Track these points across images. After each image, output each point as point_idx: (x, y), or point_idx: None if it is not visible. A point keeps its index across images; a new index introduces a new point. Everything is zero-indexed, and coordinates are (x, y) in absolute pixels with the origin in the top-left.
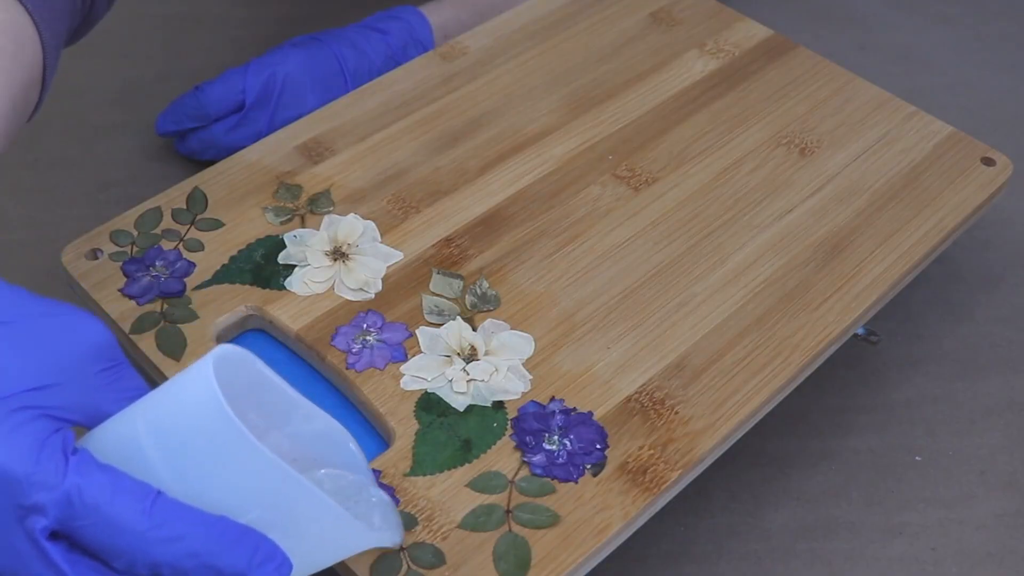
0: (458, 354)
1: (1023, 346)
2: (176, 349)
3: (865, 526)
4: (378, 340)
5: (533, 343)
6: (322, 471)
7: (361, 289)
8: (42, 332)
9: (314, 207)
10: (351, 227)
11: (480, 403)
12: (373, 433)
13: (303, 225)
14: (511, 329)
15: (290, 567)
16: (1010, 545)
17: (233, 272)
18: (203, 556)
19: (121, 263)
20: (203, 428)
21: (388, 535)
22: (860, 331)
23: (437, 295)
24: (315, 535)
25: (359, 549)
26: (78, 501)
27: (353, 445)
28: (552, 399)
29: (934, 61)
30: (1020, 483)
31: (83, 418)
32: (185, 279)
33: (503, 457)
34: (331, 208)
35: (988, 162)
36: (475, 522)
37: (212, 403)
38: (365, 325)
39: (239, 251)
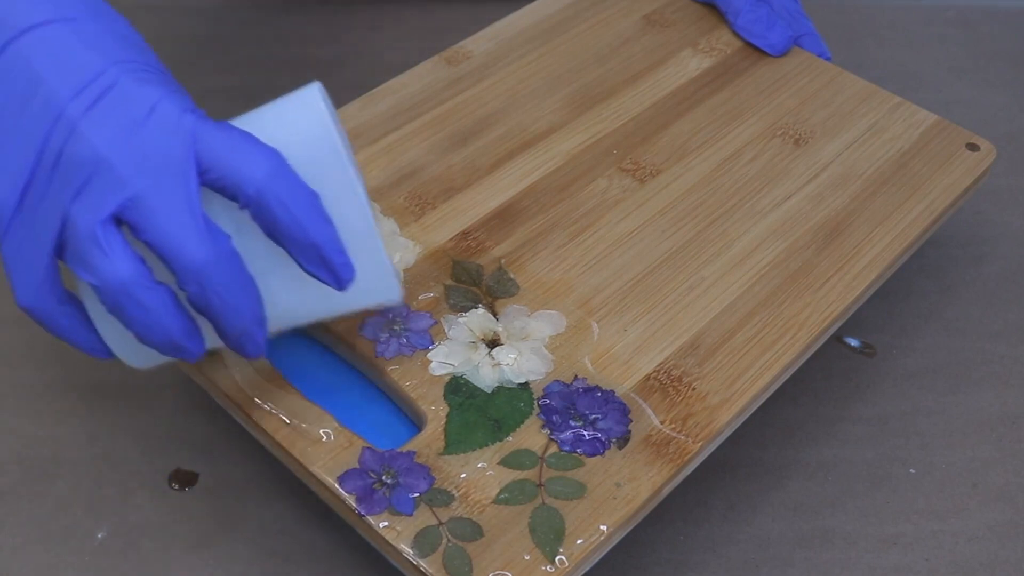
0: (482, 340)
1: (1016, 361)
2: None
3: (860, 536)
4: (404, 328)
5: (555, 322)
6: None
7: None
8: None
9: None
10: None
11: (507, 385)
12: (404, 418)
13: None
14: (532, 313)
15: (352, 272)
16: (1002, 555)
17: None
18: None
19: None
20: (308, 149)
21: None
22: (855, 343)
23: (458, 285)
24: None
25: (378, 300)
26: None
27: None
28: (575, 378)
29: (928, 79)
30: (1012, 495)
31: None
32: None
33: (532, 435)
34: None
35: (972, 147)
36: (509, 496)
37: (321, 128)
38: (391, 315)
39: None
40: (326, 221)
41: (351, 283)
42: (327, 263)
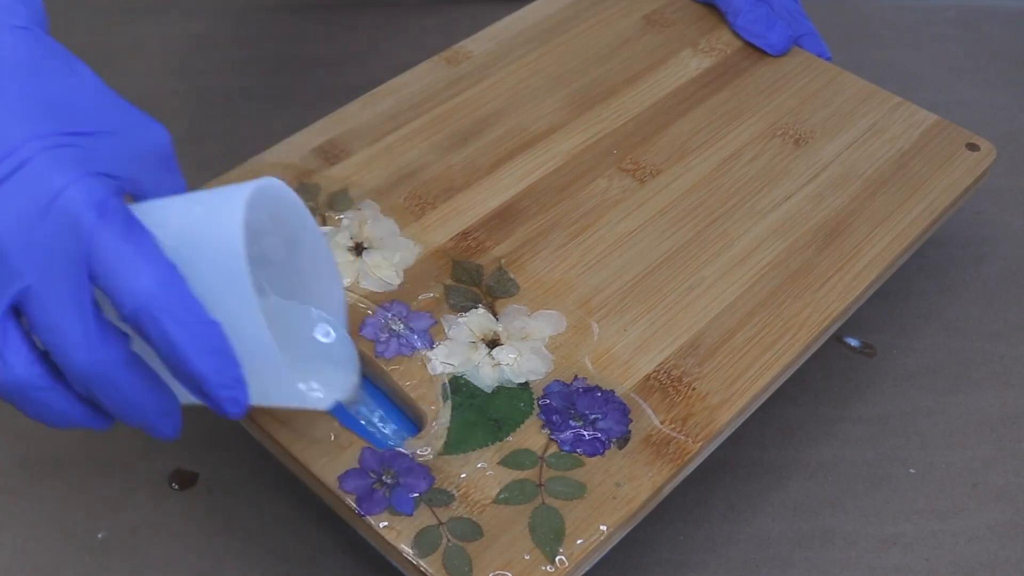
0: (482, 340)
1: (1015, 361)
2: None
3: (860, 536)
4: (406, 328)
5: (555, 322)
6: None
7: (385, 281)
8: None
9: (333, 206)
10: (372, 222)
11: (507, 385)
12: (405, 418)
13: (323, 223)
14: (532, 313)
15: (241, 408)
16: (1002, 555)
17: None
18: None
19: None
20: (216, 252)
21: (326, 394)
22: (855, 343)
23: (458, 285)
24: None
25: (293, 404)
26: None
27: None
28: (575, 378)
29: (928, 79)
30: (1012, 495)
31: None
32: None
33: (532, 435)
34: (350, 206)
35: (972, 147)
36: (509, 496)
37: (230, 240)
38: (391, 315)
39: None
40: (210, 353)
41: (240, 416)
42: (208, 397)
